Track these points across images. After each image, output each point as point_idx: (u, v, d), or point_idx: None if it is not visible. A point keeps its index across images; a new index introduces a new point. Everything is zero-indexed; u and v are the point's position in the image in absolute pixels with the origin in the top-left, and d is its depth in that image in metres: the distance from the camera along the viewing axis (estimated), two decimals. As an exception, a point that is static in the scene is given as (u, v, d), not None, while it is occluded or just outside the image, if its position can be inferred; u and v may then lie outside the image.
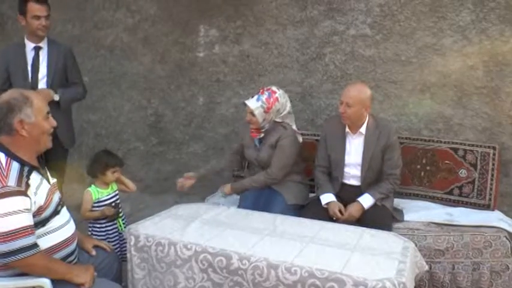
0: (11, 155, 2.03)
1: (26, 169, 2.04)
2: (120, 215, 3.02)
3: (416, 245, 2.71)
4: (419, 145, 3.56)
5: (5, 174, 1.95)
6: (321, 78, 4.07)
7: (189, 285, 2.31)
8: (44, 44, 3.48)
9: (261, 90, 3.30)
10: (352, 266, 2.08)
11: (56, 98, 3.37)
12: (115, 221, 2.97)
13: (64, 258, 2.17)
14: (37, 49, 3.45)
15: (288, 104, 3.35)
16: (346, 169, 3.23)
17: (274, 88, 3.31)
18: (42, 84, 3.41)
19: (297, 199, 3.31)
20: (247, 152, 3.45)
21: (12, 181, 1.95)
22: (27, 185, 2.00)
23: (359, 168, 3.18)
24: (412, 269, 2.25)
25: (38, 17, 3.37)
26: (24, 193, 1.96)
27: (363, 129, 3.15)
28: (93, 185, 3.01)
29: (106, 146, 5.12)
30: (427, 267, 2.54)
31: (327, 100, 4.07)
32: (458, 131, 3.67)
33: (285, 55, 4.18)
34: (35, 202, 2.01)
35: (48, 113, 2.14)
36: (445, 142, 3.50)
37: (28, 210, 1.96)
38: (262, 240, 2.39)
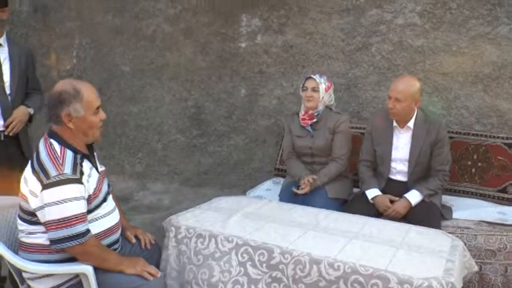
0: (64, 143, 2.06)
1: (79, 157, 2.07)
2: None
3: (465, 245, 2.57)
4: (471, 140, 3.40)
5: (61, 162, 1.98)
6: (367, 70, 3.95)
7: (224, 279, 2.26)
8: (3, 41, 3.02)
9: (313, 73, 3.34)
10: (397, 264, 1.99)
11: (31, 112, 3.06)
12: None
13: (109, 246, 2.19)
14: None
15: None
16: (392, 164, 3.12)
17: None
18: (6, 90, 2.99)
19: (339, 193, 3.22)
20: (299, 142, 3.36)
21: (68, 169, 1.98)
22: (81, 173, 2.04)
23: (406, 163, 3.06)
24: (461, 269, 2.14)
25: None
26: (79, 181, 2.00)
27: (411, 124, 3.03)
28: None
29: (146, 137, 5.16)
30: (476, 268, 2.40)
31: (373, 92, 3.95)
32: (513, 126, 3.49)
33: (330, 45, 4.08)
34: (87, 190, 2.05)
35: (98, 107, 2.14)
36: (498, 137, 3.34)
37: (83, 197, 2.00)
38: (304, 235, 2.32)
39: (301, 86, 3.30)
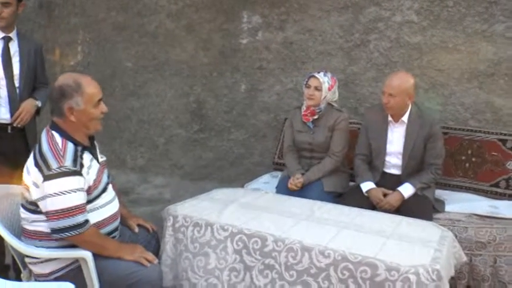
0: (65, 136, 2.12)
1: (80, 149, 2.13)
2: None
3: (456, 237, 2.65)
4: (465, 135, 3.44)
5: (62, 155, 2.05)
6: (365, 66, 4.00)
7: (220, 266, 2.33)
8: (14, 36, 3.05)
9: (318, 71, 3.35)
10: (386, 252, 2.05)
11: (39, 104, 3.10)
12: None
13: (108, 234, 2.25)
14: (6, 40, 3.00)
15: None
16: (387, 158, 3.18)
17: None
18: (15, 83, 3.04)
19: (335, 187, 3.27)
20: (299, 137, 3.40)
21: (68, 161, 2.04)
22: (81, 165, 2.10)
23: (400, 157, 3.12)
24: (449, 259, 2.19)
25: None
26: (79, 173, 2.06)
27: (405, 118, 3.08)
28: None
29: (148, 132, 5.23)
30: (465, 259, 2.47)
31: (370, 88, 4.00)
32: (507, 122, 3.53)
33: (329, 42, 4.13)
34: (87, 181, 2.11)
35: (99, 100, 2.19)
36: (492, 133, 3.38)
37: (82, 189, 2.07)
38: (298, 224, 2.38)
39: (305, 82, 3.33)
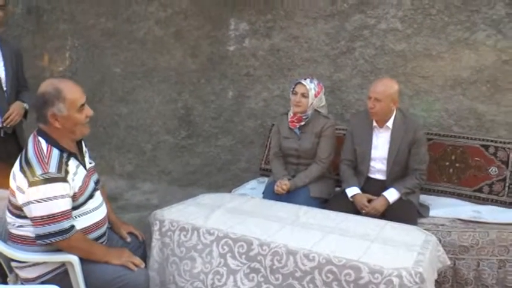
0: (51, 142, 2.12)
1: (65, 155, 2.13)
2: None
3: (440, 241, 2.69)
4: (449, 141, 3.50)
5: (46, 161, 2.05)
6: (350, 73, 4.05)
7: (205, 270, 2.35)
8: None
9: (305, 78, 3.38)
10: (370, 255, 2.08)
11: (27, 107, 3.14)
12: None
13: (96, 239, 2.26)
14: None
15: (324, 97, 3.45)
16: (372, 163, 3.22)
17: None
18: (3, 86, 3.06)
19: (321, 192, 3.30)
20: (286, 143, 3.42)
21: (53, 167, 2.04)
22: (66, 172, 2.10)
23: (385, 162, 3.16)
24: (432, 262, 2.23)
25: None
26: (64, 179, 2.06)
27: (389, 123, 3.13)
28: None
29: (136, 138, 5.23)
30: (449, 263, 2.50)
31: (356, 95, 4.05)
32: (490, 128, 3.59)
33: (315, 49, 4.17)
34: (72, 187, 2.11)
35: (83, 104, 2.17)
36: (475, 139, 3.44)
37: (68, 195, 2.07)
38: (283, 229, 2.40)
39: (291, 89, 3.36)
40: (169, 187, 5.06)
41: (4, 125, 2.98)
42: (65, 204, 2.06)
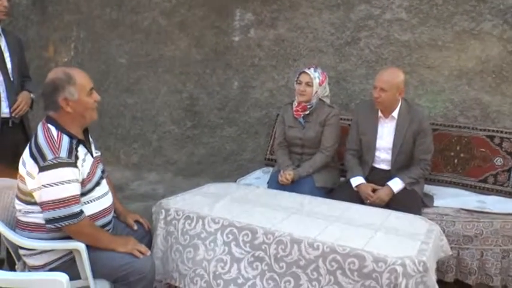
0: (61, 129, 2.15)
1: (74, 142, 2.16)
2: None
3: (444, 231, 2.70)
4: (454, 132, 3.49)
5: (57, 146, 2.08)
6: (355, 63, 4.05)
7: (208, 257, 2.37)
8: (0, 31, 3.06)
9: (309, 67, 3.38)
10: (374, 244, 2.09)
11: (34, 97, 3.17)
12: None
13: (102, 227, 2.29)
14: None
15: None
16: (377, 153, 3.22)
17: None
18: (10, 77, 3.08)
19: (326, 182, 3.31)
20: (290, 133, 3.44)
21: (64, 152, 2.08)
22: (76, 157, 2.13)
23: (390, 152, 3.16)
24: (435, 252, 2.24)
25: None
26: (74, 164, 2.10)
27: (395, 114, 3.13)
28: None
29: (141, 129, 5.25)
30: (451, 252, 2.51)
31: (361, 85, 4.04)
32: (495, 119, 3.59)
33: (320, 39, 4.17)
34: (81, 173, 2.15)
35: (91, 89, 2.23)
36: (481, 129, 3.43)
37: (77, 180, 2.11)
38: (288, 218, 2.42)
39: (296, 79, 3.37)
40: (174, 177, 5.08)
41: (13, 115, 3.00)
42: (75, 189, 2.09)
